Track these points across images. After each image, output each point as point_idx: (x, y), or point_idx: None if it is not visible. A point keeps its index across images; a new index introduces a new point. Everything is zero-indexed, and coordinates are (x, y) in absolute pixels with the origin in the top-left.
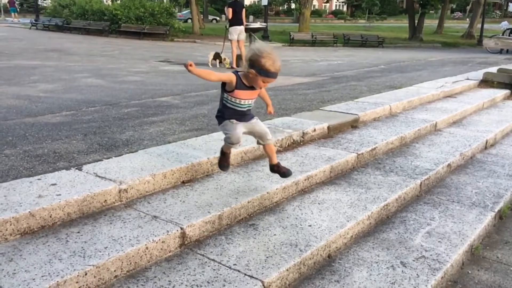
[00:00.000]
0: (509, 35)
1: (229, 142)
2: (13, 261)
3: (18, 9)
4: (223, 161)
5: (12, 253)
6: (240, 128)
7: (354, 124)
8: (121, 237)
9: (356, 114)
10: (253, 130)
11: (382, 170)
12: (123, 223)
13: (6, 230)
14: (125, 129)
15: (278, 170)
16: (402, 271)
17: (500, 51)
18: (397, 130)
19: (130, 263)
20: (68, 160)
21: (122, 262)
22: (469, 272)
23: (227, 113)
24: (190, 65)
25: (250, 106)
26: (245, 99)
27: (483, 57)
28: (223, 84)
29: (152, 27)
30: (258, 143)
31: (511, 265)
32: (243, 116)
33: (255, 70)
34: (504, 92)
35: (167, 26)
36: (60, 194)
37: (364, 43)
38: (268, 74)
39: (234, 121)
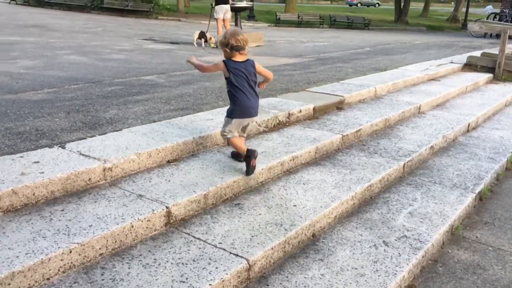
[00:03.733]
0: (493, 19)
1: (224, 135)
2: None
3: None
4: (240, 157)
5: None
6: (236, 133)
7: (339, 106)
8: (106, 216)
9: (342, 96)
10: (245, 127)
11: (366, 152)
12: (108, 201)
13: None
14: (109, 107)
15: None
16: (385, 250)
17: (484, 35)
18: (381, 112)
19: (115, 241)
20: (51, 138)
21: (107, 240)
22: (449, 251)
23: (236, 108)
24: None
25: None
26: (240, 60)
27: (467, 41)
28: (226, 78)
29: (135, 4)
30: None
31: (489, 245)
32: (251, 106)
33: (228, 48)
34: (487, 76)
35: (151, 3)
36: (43, 172)
37: (350, 24)
38: (237, 48)
39: (234, 126)
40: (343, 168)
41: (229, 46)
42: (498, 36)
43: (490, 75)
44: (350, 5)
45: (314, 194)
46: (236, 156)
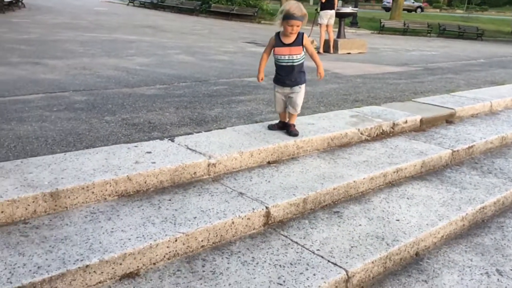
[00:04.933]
0: None
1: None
2: (111, 220)
3: None
4: (273, 127)
5: (110, 213)
6: (279, 95)
7: (449, 119)
8: (209, 209)
9: (452, 109)
10: (290, 97)
11: (479, 170)
12: (210, 196)
13: (106, 190)
14: (214, 105)
15: (290, 129)
16: (498, 279)
17: None
18: (497, 129)
19: (216, 235)
20: (162, 131)
21: (209, 233)
22: None
23: (276, 71)
24: (260, 79)
25: (291, 62)
26: (283, 54)
27: None
28: None
29: (241, 8)
30: (285, 109)
31: None
32: (287, 73)
33: (282, 18)
34: None
35: (255, 7)
36: (154, 162)
37: (461, 34)
38: (288, 16)
39: (278, 88)
40: (452, 186)
41: (283, 14)
42: None
43: None
44: (386, 10)
45: (419, 210)
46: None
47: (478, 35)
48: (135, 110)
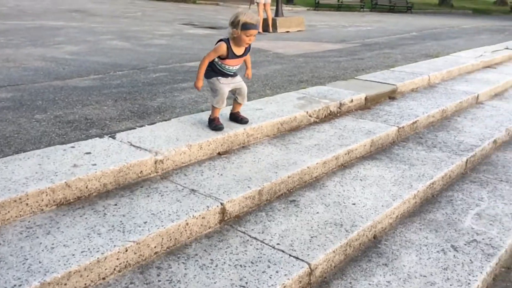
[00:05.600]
0: None
1: (216, 104)
2: (50, 234)
3: None
4: (216, 123)
5: (49, 225)
6: (226, 88)
7: (392, 95)
8: (160, 212)
9: (394, 85)
10: (237, 88)
11: (424, 145)
12: (160, 196)
13: (42, 200)
14: (156, 95)
15: (240, 117)
16: (454, 255)
17: None
18: (437, 102)
19: (170, 239)
20: (101, 127)
21: (163, 238)
22: None
23: (217, 72)
24: (198, 87)
25: (236, 69)
26: (234, 65)
27: None
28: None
29: None
30: (235, 100)
31: None
32: (230, 76)
33: (236, 28)
34: None
35: None
36: (95, 164)
37: (392, 8)
38: (247, 26)
39: (222, 79)
40: (401, 163)
41: (240, 24)
42: None
43: None
44: None
45: (373, 191)
46: (211, 121)
47: (407, 8)
48: (68, 105)
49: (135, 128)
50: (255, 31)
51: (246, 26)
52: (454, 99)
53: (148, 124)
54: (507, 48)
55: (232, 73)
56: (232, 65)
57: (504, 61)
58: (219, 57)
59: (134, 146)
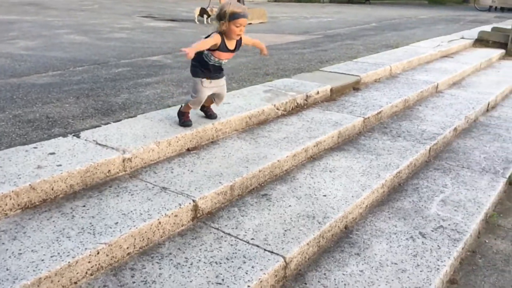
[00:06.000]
0: None
1: (192, 104)
2: (17, 240)
3: None
4: (185, 119)
5: (15, 230)
6: (207, 92)
7: (356, 86)
8: (131, 211)
9: (358, 76)
10: (218, 93)
11: (389, 135)
12: (130, 195)
13: (6, 205)
14: (119, 91)
15: (210, 113)
16: (423, 242)
17: (489, 9)
18: (399, 92)
19: (143, 239)
20: (64, 126)
21: (135, 239)
22: (486, 241)
23: (201, 66)
24: (187, 53)
25: (224, 63)
26: (224, 59)
27: (472, 14)
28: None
29: None
30: (212, 101)
31: None
32: (216, 69)
33: (224, 20)
34: (500, 51)
35: None
36: (60, 165)
37: None
38: (235, 15)
39: (205, 82)
40: (369, 154)
41: (227, 15)
42: (503, 9)
43: (502, 51)
44: None
45: (343, 182)
46: (182, 116)
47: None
48: (28, 103)
49: (100, 126)
50: (245, 20)
51: (234, 16)
52: (416, 89)
53: (113, 122)
54: (462, 38)
55: (218, 68)
56: (221, 58)
57: (460, 50)
58: (209, 49)
59: (100, 144)
